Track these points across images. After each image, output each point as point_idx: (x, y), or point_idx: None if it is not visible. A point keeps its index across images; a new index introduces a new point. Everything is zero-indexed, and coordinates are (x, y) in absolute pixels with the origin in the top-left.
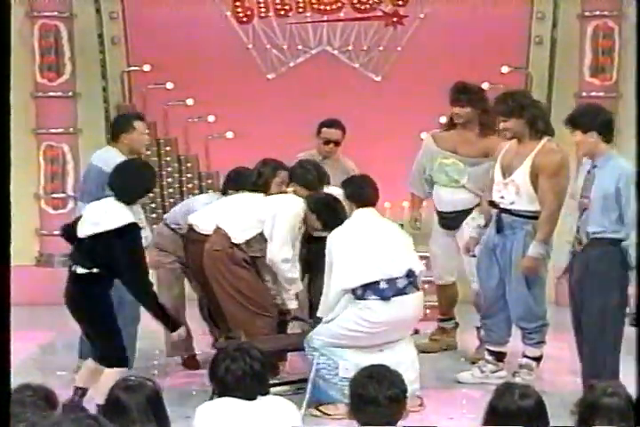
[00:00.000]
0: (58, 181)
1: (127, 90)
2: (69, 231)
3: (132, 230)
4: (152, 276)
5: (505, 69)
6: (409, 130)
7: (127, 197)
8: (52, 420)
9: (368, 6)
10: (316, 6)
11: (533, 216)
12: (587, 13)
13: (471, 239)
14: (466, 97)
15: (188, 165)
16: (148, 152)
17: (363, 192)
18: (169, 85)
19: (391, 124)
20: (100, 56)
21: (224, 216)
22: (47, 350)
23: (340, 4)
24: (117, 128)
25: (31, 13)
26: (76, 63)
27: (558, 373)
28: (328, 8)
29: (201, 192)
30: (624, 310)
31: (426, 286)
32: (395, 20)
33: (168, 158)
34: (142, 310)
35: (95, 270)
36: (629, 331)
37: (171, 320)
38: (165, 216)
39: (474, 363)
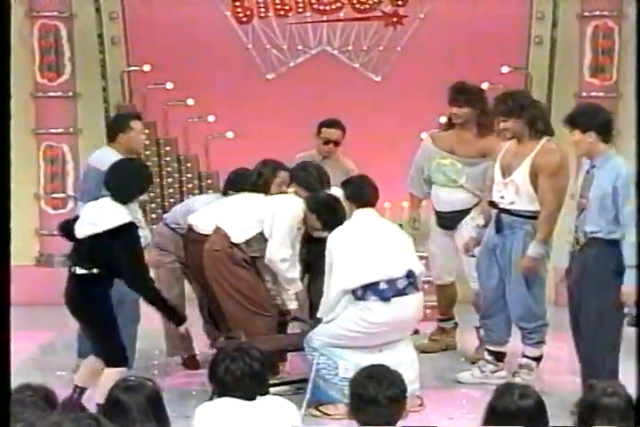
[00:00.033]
0: (58, 181)
1: (127, 90)
2: (67, 228)
3: (129, 230)
4: (152, 276)
5: (505, 69)
6: (409, 130)
7: (123, 197)
8: (51, 420)
9: (368, 6)
10: (315, 6)
11: (533, 216)
12: (586, 13)
13: (471, 239)
14: (464, 97)
15: (188, 165)
16: (148, 152)
17: (362, 192)
18: (169, 85)
19: (391, 124)
20: (100, 56)
21: (224, 216)
22: (47, 350)
23: (339, 5)
24: (115, 128)
25: (31, 13)
26: (76, 63)
27: (558, 373)
28: (328, 8)
29: (201, 192)
30: (622, 309)
31: (425, 286)
32: (394, 20)
33: (168, 158)
34: (142, 310)
35: (95, 271)
36: (629, 331)
37: (176, 315)
38: (165, 216)
39: (474, 363)
